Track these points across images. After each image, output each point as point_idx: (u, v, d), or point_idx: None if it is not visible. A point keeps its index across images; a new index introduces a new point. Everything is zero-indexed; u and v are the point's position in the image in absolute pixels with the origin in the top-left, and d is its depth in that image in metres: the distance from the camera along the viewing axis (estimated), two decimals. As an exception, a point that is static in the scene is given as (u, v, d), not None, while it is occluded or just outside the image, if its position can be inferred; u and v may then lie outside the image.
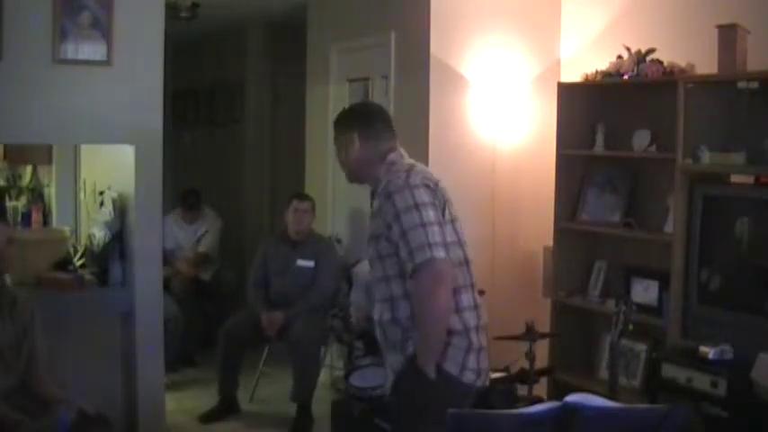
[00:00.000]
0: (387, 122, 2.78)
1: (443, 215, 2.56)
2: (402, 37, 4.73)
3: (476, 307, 2.61)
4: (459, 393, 2.52)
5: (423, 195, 2.52)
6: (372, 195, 2.74)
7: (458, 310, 2.54)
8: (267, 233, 6.46)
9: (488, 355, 2.65)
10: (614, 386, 3.32)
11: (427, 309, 2.47)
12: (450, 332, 2.52)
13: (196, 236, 6.15)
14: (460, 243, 2.61)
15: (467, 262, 2.63)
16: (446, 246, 2.48)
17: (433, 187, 2.57)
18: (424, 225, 2.46)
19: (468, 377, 2.54)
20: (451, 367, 2.51)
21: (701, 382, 3.38)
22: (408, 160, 2.71)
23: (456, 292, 2.54)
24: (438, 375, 2.49)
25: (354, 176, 2.80)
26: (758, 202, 3.63)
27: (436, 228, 2.48)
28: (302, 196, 5.17)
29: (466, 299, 2.57)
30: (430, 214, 2.49)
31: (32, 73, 3.72)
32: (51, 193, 4.95)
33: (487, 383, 2.70)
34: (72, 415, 3.06)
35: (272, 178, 7.20)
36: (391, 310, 2.58)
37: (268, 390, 5.23)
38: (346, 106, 2.96)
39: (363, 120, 2.77)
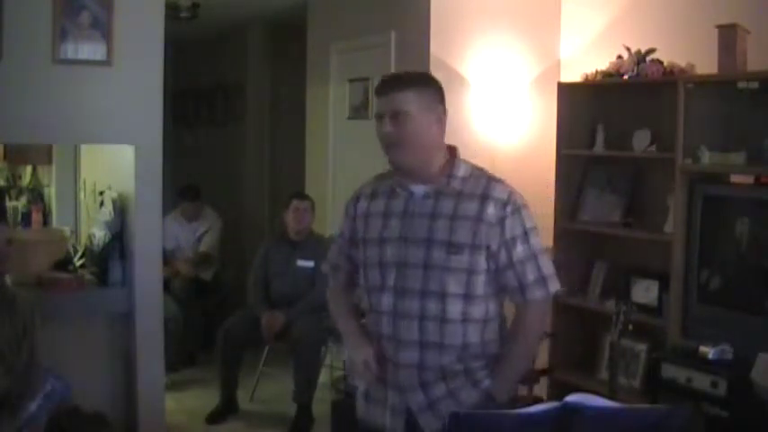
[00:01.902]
0: None
1: None
2: (402, 37, 4.73)
3: None
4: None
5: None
6: (389, 195, 2.36)
7: None
8: (267, 233, 6.46)
9: None
10: (614, 386, 3.31)
11: (535, 342, 2.34)
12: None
13: (196, 235, 6.15)
14: None
15: None
16: None
17: None
18: (547, 251, 2.31)
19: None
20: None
21: (701, 382, 3.38)
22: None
23: None
24: (510, 401, 2.33)
25: (414, 164, 2.27)
26: (758, 202, 3.63)
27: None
28: (302, 195, 5.17)
29: None
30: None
31: (32, 73, 3.72)
32: (51, 193, 4.95)
33: None
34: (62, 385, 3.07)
35: (272, 178, 7.20)
36: (463, 335, 2.25)
37: (268, 390, 5.23)
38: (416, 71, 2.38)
39: (442, 95, 2.31)
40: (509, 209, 2.26)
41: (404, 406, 2.31)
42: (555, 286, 2.29)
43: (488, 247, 2.24)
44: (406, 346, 2.27)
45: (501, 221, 2.25)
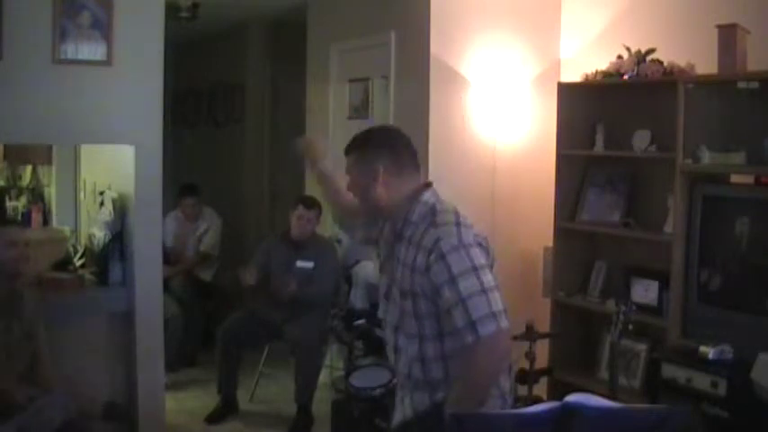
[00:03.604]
0: (413, 153, 2.46)
1: None
2: (402, 37, 4.73)
3: (510, 369, 2.45)
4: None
5: (479, 255, 2.26)
6: (380, 229, 2.50)
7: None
8: (267, 233, 6.46)
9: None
10: (614, 386, 3.32)
11: (479, 381, 2.26)
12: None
13: (196, 234, 6.15)
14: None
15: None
16: (506, 312, 2.26)
17: (485, 245, 2.34)
18: (485, 291, 2.22)
19: None
20: None
21: (701, 382, 3.38)
22: (447, 202, 2.41)
23: None
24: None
25: (371, 212, 2.49)
26: (758, 202, 3.63)
27: (496, 293, 2.24)
28: (309, 203, 5.04)
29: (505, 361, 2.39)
30: (489, 277, 2.25)
31: (32, 73, 3.72)
32: (51, 193, 4.95)
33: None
34: (68, 400, 3.07)
35: (272, 178, 7.20)
36: (423, 372, 2.37)
37: (268, 390, 5.23)
38: (367, 130, 2.54)
39: (390, 149, 2.43)
40: (433, 257, 2.26)
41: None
42: (487, 329, 2.19)
43: (426, 295, 2.30)
44: (397, 361, 2.50)
45: (427, 270, 2.28)
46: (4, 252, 3.25)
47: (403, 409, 2.47)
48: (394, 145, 2.46)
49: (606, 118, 4.39)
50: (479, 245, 2.30)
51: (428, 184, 2.45)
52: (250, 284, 4.87)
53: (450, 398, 2.28)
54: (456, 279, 2.22)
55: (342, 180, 2.65)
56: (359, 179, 2.45)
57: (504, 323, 2.22)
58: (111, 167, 4.35)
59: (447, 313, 2.25)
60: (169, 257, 5.66)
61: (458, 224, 2.31)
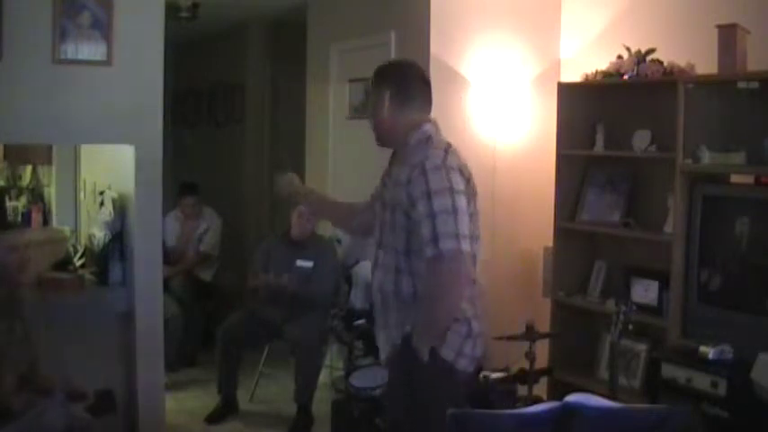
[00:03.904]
0: (425, 87, 2.62)
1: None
2: (402, 37, 4.73)
3: (473, 297, 2.55)
4: (452, 378, 2.50)
5: (459, 181, 2.42)
6: (391, 160, 2.63)
7: None
8: (267, 233, 6.46)
9: (486, 341, 2.64)
10: (614, 386, 3.32)
11: (441, 301, 2.40)
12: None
13: (196, 234, 6.15)
14: (473, 237, 2.51)
15: (474, 257, 2.54)
16: (471, 238, 2.40)
17: (467, 176, 2.48)
18: (456, 212, 2.37)
19: (462, 363, 2.51)
20: (447, 353, 2.48)
21: (701, 382, 3.38)
22: (444, 137, 2.57)
23: None
24: (432, 359, 2.45)
25: (380, 137, 2.66)
26: (758, 202, 3.63)
27: (466, 218, 2.39)
28: None
29: (468, 289, 2.49)
30: (463, 202, 2.40)
31: (32, 73, 3.72)
32: (51, 193, 4.95)
33: (478, 368, 2.68)
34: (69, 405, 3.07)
35: (272, 178, 7.18)
36: (394, 283, 2.52)
37: (268, 390, 5.24)
38: (388, 60, 2.80)
39: (399, 79, 2.61)
40: (416, 171, 2.42)
41: None
42: (447, 245, 2.34)
43: (403, 206, 2.47)
44: (377, 290, 2.67)
45: (408, 183, 2.44)
46: (6, 256, 3.25)
47: (384, 344, 2.63)
48: (401, 76, 2.63)
49: (606, 118, 4.39)
50: (461, 172, 2.45)
51: (428, 119, 2.60)
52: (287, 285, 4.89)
53: (417, 325, 2.43)
54: (431, 194, 2.37)
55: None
56: (372, 106, 2.64)
57: (465, 245, 2.36)
58: (111, 167, 4.35)
59: (417, 226, 2.40)
60: (169, 257, 5.66)
61: (446, 150, 2.48)
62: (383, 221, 2.57)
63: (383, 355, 2.66)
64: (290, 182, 3.04)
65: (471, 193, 2.51)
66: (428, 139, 2.52)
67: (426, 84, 2.65)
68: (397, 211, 2.48)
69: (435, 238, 2.35)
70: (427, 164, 2.41)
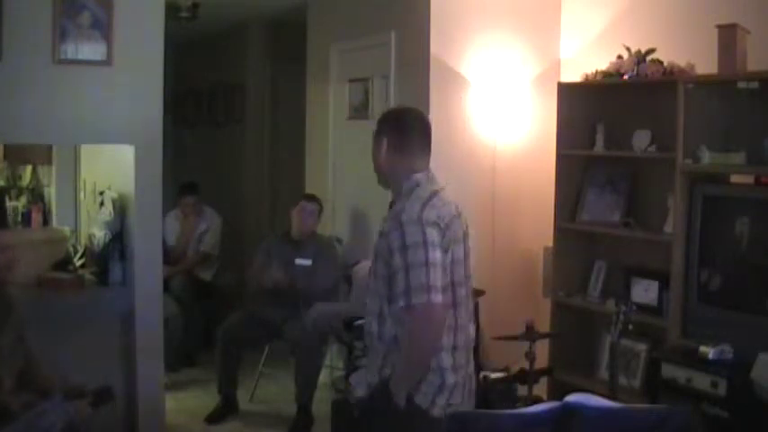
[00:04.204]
0: (423, 137, 2.69)
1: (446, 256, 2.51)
2: (402, 37, 4.73)
3: (454, 348, 2.57)
4: (426, 424, 2.52)
5: (433, 234, 2.46)
6: (391, 206, 2.68)
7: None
8: (267, 233, 6.47)
9: (470, 384, 2.66)
10: (614, 386, 3.32)
11: (414, 351, 2.49)
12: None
13: (196, 234, 6.15)
14: (455, 283, 2.56)
15: (455, 304, 2.57)
16: (445, 290, 2.46)
17: (443, 227, 2.51)
18: (427, 264, 2.43)
19: (437, 412, 2.54)
20: (422, 401, 2.52)
21: (701, 382, 3.38)
22: (434, 186, 2.62)
23: None
24: (408, 405, 2.51)
25: (379, 180, 2.76)
26: (758, 202, 3.63)
27: (440, 270, 2.45)
28: (310, 198, 5.17)
29: (446, 340, 2.54)
30: (437, 255, 2.45)
31: (32, 73, 3.72)
32: (51, 193, 4.94)
33: (461, 408, 2.67)
34: (68, 405, 3.07)
35: (272, 178, 7.20)
36: (378, 324, 2.59)
37: (268, 390, 5.24)
38: (392, 108, 2.97)
39: (398, 128, 2.69)
40: (393, 224, 2.50)
41: None
42: (418, 298, 2.40)
43: (383, 256, 2.54)
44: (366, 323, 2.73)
45: (387, 235, 2.52)
46: None
47: (358, 383, 2.71)
48: (403, 125, 2.71)
49: (606, 118, 4.39)
50: (437, 225, 2.49)
51: (422, 167, 2.65)
52: (278, 280, 4.90)
53: (397, 368, 2.51)
54: (407, 248, 2.44)
55: None
56: (373, 148, 2.73)
57: (436, 297, 2.42)
58: (111, 167, 4.35)
59: (393, 277, 2.47)
60: (169, 257, 5.67)
61: (425, 203, 2.52)
62: (370, 269, 2.67)
63: (356, 394, 2.72)
64: None
65: (453, 239, 2.55)
66: (414, 189, 2.58)
67: (426, 133, 2.71)
68: (378, 259, 2.57)
69: (407, 291, 2.43)
70: (403, 217, 2.49)
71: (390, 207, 2.67)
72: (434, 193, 2.58)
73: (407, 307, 2.43)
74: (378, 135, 2.70)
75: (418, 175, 2.62)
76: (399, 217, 2.49)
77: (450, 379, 2.55)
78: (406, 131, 2.68)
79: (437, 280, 2.43)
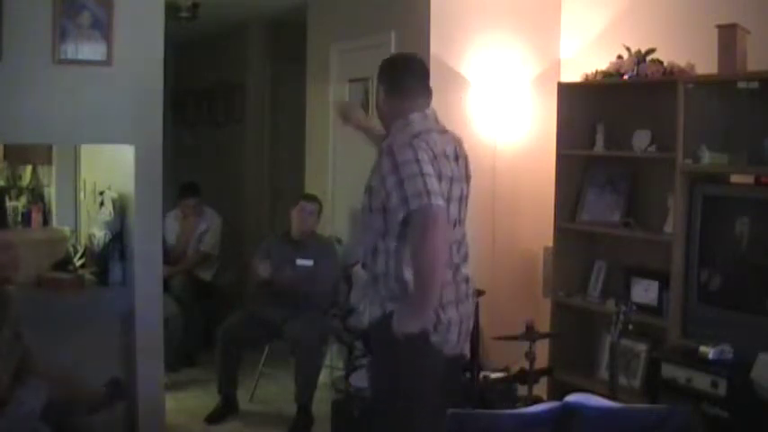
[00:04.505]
0: (418, 78, 2.77)
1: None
2: (402, 37, 4.73)
3: (445, 284, 2.61)
4: (425, 350, 2.58)
5: (424, 154, 2.51)
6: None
7: None
8: (267, 233, 6.47)
9: (467, 326, 2.73)
10: (614, 386, 3.32)
11: (422, 255, 2.46)
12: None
13: (196, 234, 6.15)
14: (450, 222, 2.60)
15: (456, 243, 2.63)
16: (446, 200, 2.50)
17: (432, 156, 2.55)
18: (423, 175, 2.46)
19: (436, 341, 2.60)
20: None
21: (701, 382, 3.38)
22: (426, 126, 2.66)
23: None
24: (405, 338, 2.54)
25: (382, 124, 2.85)
26: (758, 202, 3.63)
27: (435, 179, 2.47)
28: (310, 198, 5.17)
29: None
30: (429, 169, 2.49)
31: (32, 73, 3.72)
32: (51, 193, 4.95)
33: (461, 351, 2.78)
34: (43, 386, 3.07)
35: (272, 178, 7.20)
36: (373, 263, 2.65)
37: (268, 390, 5.24)
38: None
39: (391, 74, 2.79)
40: (384, 153, 2.57)
41: None
42: (417, 202, 2.43)
43: (377, 189, 2.58)
44: (362, 258, 2.80)
45: (379, 165, 2.58)
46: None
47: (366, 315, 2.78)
48: (393, 70, 2.82)
49: (606, 118, 4.39)
50: (429, 151, 2.53)
51: (418, 106, 2.71)
52: (264, 278, 4.89)
53: (397, 308, 2.55)
54: (399, 166, 2.49)
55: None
56: (376, 98, 2.84)
57: (437, 199, 2.43)
58: (111, 167, 4.35)
59: (388, 199, 2.51)
60: (169, 257, 5.67)
61: (413, 135, 2.58)
62: (363, 206, 2.71)
63: (366, 320, 2.81)
64: (346, 108, 3.35)
65: (444, 175, 2.57)
66: (406, 126, 2.65)
67: (420, 76, 2.79)
68: (373, 194, 2.60)
69: (405, 200, 2.46)
70: (393, 144, 2.56)
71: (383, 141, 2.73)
72: (427, 131, 2.63)
73: (408, 215, 2.44)
74: (378, 83, 2.81)
75: (413, 115, 2.68)
76: (390, 145, 2.56)
77: (444, 317, 2.60)
78: (398, 74, 2.78)
79: (434, 186, 2.45)
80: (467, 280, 2.73)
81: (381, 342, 2.66)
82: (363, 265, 2.76)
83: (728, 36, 3.62)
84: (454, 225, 2.65)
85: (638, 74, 4.05)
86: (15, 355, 3.21)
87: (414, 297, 2.52)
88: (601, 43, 4.54)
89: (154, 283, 4.10)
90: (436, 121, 2.75)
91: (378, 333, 2.66)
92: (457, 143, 2.78)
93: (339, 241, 5.28)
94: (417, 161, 2.49)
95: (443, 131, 2.74)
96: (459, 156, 2.72)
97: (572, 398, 1.93)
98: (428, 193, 2.43)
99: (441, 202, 2.45)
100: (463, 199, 2.72)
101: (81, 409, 3.29)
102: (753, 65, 3.65)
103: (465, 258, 2.74)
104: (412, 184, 2.45)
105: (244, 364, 5.01)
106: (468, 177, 2.78)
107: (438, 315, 2.59)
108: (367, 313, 2.76)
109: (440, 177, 2.55)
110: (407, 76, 2.76)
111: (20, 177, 5.04)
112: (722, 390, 3.30)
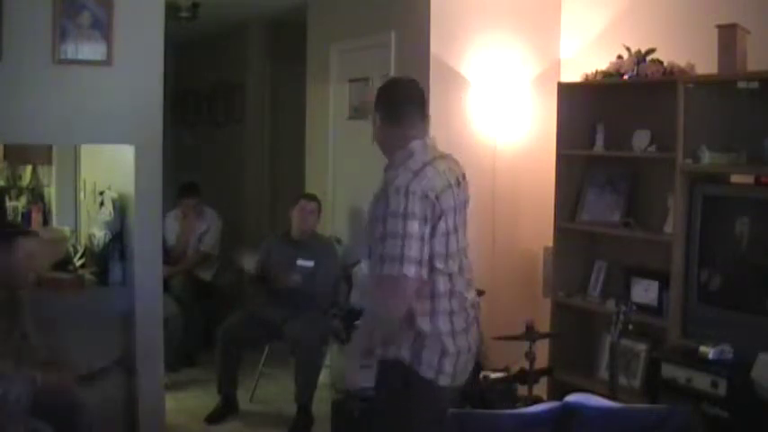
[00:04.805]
0: (416, 106, 2.71)
1: (435, 228, 2.51)
2: (402, 37, 4.73)
3: (451, 313, 2.58)
4: (435, 395, 2.54)
5: (415, 206, 2.47)
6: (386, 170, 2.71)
7: (432, 313, 2.55)
8: (267, 233, 6.47)
9: (473, 352, 2.70)
10: (614, 386, 3.32)
11: (378, 311, 2.58)
12: (421, 335, 2.54)
13: (196, 234, 6.15)
14: (449, 255, 2.57)
15: (450, 274, 2.58)
16: (420, 262, 2.46)
17: (433, 198, 2.50)
18: (404, 237, 2.44)
19: (444, 380, 2.56)
20: (427, 372, 2.53)
21: (701, 382, 3.38)
22: (428, 156, 2.62)
23: (432, 298, 2.55)
24: (417, 380, 2.53)
25: (381, 151, 2.80)
26: (758, 202, 3.63)
27: (414, 243, 2.45)
28: (309, 197, 5.17)
29: (442, 304, 2.56)
30: (414, 227, 2.46)
31: (32, 73, 3.72)
32: (51, 193, 4.95)
33: (463, 382, 2.72)
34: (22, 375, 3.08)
35: (272, 178, 7.20)
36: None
37: (268, 390, 5.23)
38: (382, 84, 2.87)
39: (389, 102, 2.73)
40: (382, 192, 2.52)
41: None
42: (390, 268, 2.44)
43: (373, 220, 2.55)
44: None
45: (376, 202, 2.54)
46: (21, 262, 3.27)
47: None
48: (392, 96, 2.75)
49: (606, 118, 4.39)
50: (425, 197, 2.48)
51: (418, 135, 2.66)
52: (249, 272, 4.90)
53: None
54: (387, 217, 2.47)
55: None
56: (373, 126, 2.76)
57: (409, 270, 2.44)
58: (111, 167, 4.35)
59: (376, 242, 2.51)
60: (169, 257, 5.67)
61: (415, 172, 2.52)
62: (366, 232, 2.68)
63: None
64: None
65: (447, 209, 2.55)
66: (408, 158, 2.59)
67: (419, 103, 2.72)
68: (372, 223, 2.58)
69: (382, 259, 2.46)
70: (391, 187, 2.50)
71: (385, 171, 2.68)
72: (427, 163, 2.58)
73: (379, 275, 2.47)
74: (375, 111, 2.75)
75: (414, 144, 2.63)
76: (388, 186, 2.52)
77: (451, 346, 2.56)
78: (395, 101, 2.71)
79: (413, 250, 2.45)
80: (473, 305, 2.72)
81: (388, 388, 2.61)
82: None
83: (728, 36, 3.62)
84: (455, 254, 2.61)
85: (638, 74, 4.05)
86: (26, 355, 3.23)
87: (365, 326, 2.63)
88: (601, 43, 4.54)
89: (154, 283, 4.10)
90: (435, 147, 2.71)
91: (388, 375, 2.61)
92: (458, 167, 2.75)
93: (339, 241, 5.28)
94: (404, 216, 2.45)
95: (444, 157, 2.71)
96: (461, 180, 2.71)
97: (572, 398, 1.93)
98: (402, 259, 2.43)
99: (412, 271, 2.44)
100: (466, 224, 2.71)
101: (74, 387, 3.30)
102: (753, 65, 3.65)
103: (469, 284, 2.72)
104: (391, 244, 2.45)
105: (244, 364, 5.01)
106: (467, 201, 2.75)
107: (444, 344, 2.56)
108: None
109: (441, 215, 2.52)
110: (406, 104, 2.70)
111: (20, 177, 5.05)
112: (722, 390, 3.30)
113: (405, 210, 2.46)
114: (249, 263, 4.95)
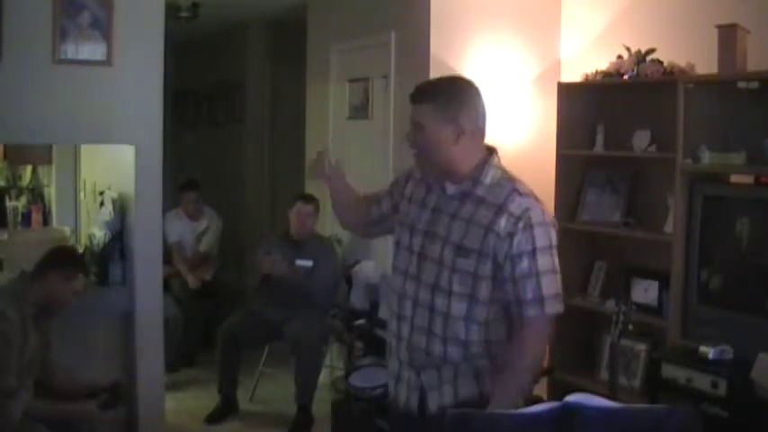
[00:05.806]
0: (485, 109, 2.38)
1: None
2: (402, 37, 4.73)
3: None
4: None
5: (554, 237, 2.34)
6: (428, 188, 2.43)
7: None
8: (267, 233, 6.47)
9: None
10: (614, 386, 3.31)
11: (533, 362, 2.34)
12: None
13: (196, 233, 6.15)
14: None
15: None
16: None
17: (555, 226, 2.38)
18: (556, 272, 2.34)
19: None
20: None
21: (701, 382, 3.38)
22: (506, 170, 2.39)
23: None
24: None
25: (432, 170, 2.38)
26: (758, 202, 3.63)
27: (559, 277, 2.37)
28: (306, 198, 5.12)
29: None
30: (557, 261, 2.34)
31: (32, 73, 3.72)
32: (51, 193, 4.96)
33: None
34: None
35: (272, 178, 7.20)
36: (465, 333, 2.32)
37: (268, 390, 5.24)
38: (443, 77, 2.47)
39: (475, 109, 2.38)
40: (520, 225, 2.27)
41: (419, 383, 2.41)
42: (553, 308, 2.33)
43: (495, 257, 2.29)
44: (419, 331, 2.39)
45: (510, 236, 2.27)
46: (69, 286, 3.31)
47: (439, 395, 2.37)
48: (478, 104, 2.40)
49: (606, 118, 4.38)
50: (553, 226, 2.34)
51: (491, 149, 2.45)
52: (268, 273, 4.88)
53: (497, 389, 2.26)
54: (536, 252, 2.27)
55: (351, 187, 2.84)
56: (432, 135, 2.31)
57: (561, 307, 2.36)
58: (111, 167, 4.35)
59: (513, 282, 2.28)
60: (170, 256, 5.67)
61: (537, 199, 2.34)
62: (455, 267, 2.31)
63: (413, 402, 2.42)
64: (320, 161, 2.92)
65: None
66: (510, 177, 2.37)
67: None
68: (485, 259, 2.27)
69: (541, 300, 2.29)
70: (533, 217, 2.26)
71: (431, 188, 2.40)
72: (519, 180, 2.37)
73: (538, 317, 2.30)
74: (448, 122, 2.30)
75: (495, 158, 2.41)
76: (529, 217, 2.26)
77: None
78: (481, 111, 2.39)
79: (560, 287, 2.37)
80: None
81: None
82: (426, 330, 2.36)
83: (728, 36, 3.62)
84: None
85: (638, 74, 4.05)
86: (48, 365, 3.28)
87: (511, 374, 2.28)
88: (601, 43, 4.54)
89: (154, 283, 4.10)
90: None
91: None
92: None
93: (339, 241, 5.28)
94: (551, 248, 2.28)
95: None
96: None
97: (572, 398, 1.92)
98: (559, 296, 2.33)
99: (561, 308, 2.34)
100: None
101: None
102: (753, 65, 3.65)
103: None
104: (549, 281, 2.28)
105: (244, 364, 5.01)
106: None
107: None
108: (412, 388, 2.41)
109: None
110: (483, 107, 2.39)
111: (20, 177, 5.05)
112: (722, 390, 3.29)
113: (551, 242, 2.31)
114: (269, 265, 4.93)
